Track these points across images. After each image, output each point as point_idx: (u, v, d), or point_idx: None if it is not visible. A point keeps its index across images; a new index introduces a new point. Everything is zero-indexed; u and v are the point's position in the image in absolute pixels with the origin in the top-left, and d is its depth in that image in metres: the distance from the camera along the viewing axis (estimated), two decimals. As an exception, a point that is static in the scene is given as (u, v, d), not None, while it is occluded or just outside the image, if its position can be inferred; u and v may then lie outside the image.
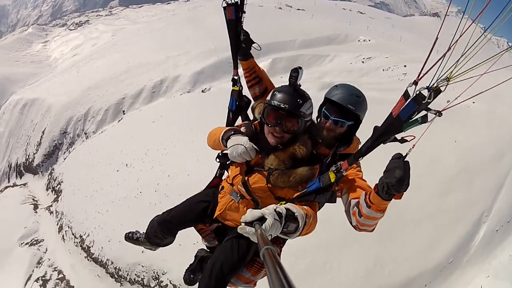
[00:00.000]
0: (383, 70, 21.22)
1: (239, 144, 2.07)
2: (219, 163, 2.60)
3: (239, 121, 2.61)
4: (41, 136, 20.43)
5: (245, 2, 2.54)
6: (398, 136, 1.71)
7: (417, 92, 1.48)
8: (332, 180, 1.92)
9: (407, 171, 1.56)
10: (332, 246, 8.09)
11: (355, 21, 39.14)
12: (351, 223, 2.01)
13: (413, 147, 1.56)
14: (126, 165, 13.62)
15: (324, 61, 22.12)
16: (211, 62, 21.74)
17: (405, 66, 20.13)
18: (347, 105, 2.11)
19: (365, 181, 2.12)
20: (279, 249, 2.39)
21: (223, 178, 2.58)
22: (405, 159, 1.59)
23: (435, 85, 1.42)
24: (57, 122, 20.19)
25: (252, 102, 2.57)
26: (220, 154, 2.50)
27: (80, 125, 19.77)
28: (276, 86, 2.41)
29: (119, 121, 19.06)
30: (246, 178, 2.12)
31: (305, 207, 1.89)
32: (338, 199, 2.17)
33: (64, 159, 18.82)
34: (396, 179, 1.54)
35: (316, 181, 1.99)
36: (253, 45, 2.56)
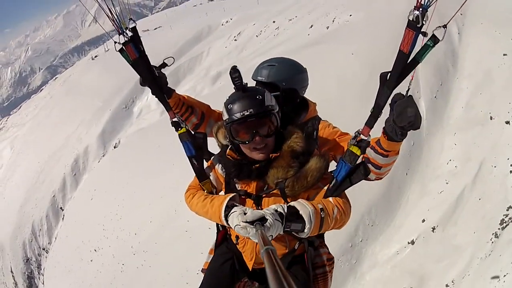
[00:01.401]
0: (257, 36, 22.29)
1: (238, 225, 1.59)
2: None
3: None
4: (13, 276, 19.48)
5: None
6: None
7: (415, 18, 1.40)
8: (359, 153, 1.71)
9: (416, 105, 1.49)
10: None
11: (209, 11, 39.38)
12: (368, 179, 1.84)
13: (412, 80, 1.52)
14: (95, 250, 13.58)
15: (202, 58, 22.65)
16: (107, 118, 21.72)
17: (274, 22, 21.26)
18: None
19: (347, 133, 2.07)
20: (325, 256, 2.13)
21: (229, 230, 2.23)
22: (409, 95, 1.51)
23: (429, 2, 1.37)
24: (17, 255, 19.30)
25: (207, 132, 2.28)
26: None
27: (35, 244, 19.08)
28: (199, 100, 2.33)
29: (62, 219, 18.61)
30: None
31: (323, 200, 1.72)
32: None
33: (43, 283, 18.28)
34: (412, 118, 1.47)
35: (340, 165, 1.76)
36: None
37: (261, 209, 1.72)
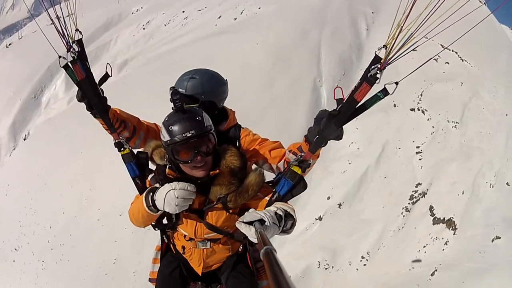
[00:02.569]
0: (165, 25, 22.04)
1: (170, 191, 1.77)
2: (159, 231, 2.32)
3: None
4: None
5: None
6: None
7: (371, 74, 1.49)
8: (300, 172, 1.84)
9: (339, 120, 1.63)
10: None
11: None
12: None
13: (344, 99, 1.63)
14: (15, 249, 12.10)
15: (110, 46, 22.29)
16: (18, 108, 19.53)
17: (183, 11, 21.27)
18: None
19: (267, 139, 2.22)
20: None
21: (172, 240, 2.31)
22: (331, 113, 1.66)
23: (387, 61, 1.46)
24: None
25: (137, 145, 2.33)
26: (154, 223, 2.16)
27: None
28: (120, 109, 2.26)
29: None
30: (207, 222, 1.95)
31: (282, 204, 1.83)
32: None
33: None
34: (339, 132, 1.67)
35: (283, 182, 1.87)
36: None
37: (206, 221, 1.92)
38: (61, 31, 1.85)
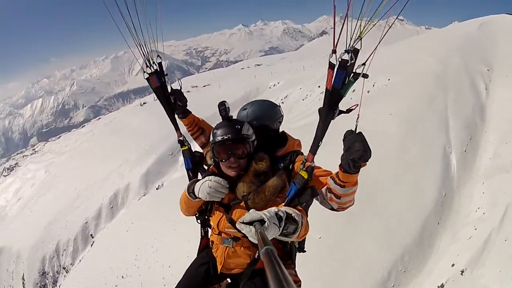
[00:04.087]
0: (303, 99, 23.57)
1: (206, 181, 2.08)
2: (200, 223, 2.59)
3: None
4: (23, 283, 20.33)
5: (164, 69, 2.69)
6: (343, 108, 1.89)
7: (340, 59, 1.66)
8: (306, 176, 2.01)
9: (364, 140, 1.70)
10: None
11: (257, 74, 42.01)
12: (332, 208, 2.10)
13: (358, 117, 1.74)
14: (122, 277, 14.04)
15: None
16: (153, 161, 23.20)
17: (319, 86, 22.74)
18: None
19: (319, 167, 2.23)
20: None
21: (209, 236, 2.55)
22: (357, 131, 1.73)
23: (351, 45, 1.62)
24: (33, 265, 20.25)
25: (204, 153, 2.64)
26: (197, 214, 2.46)
27: (55, 261, 19.88)
28: None
29: (91, 245, 19.76)
30: (229, 217, 2.11)
31: (296, 209, 1.90)
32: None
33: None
34: (360, 152, 1.68)
35: (291, 186, 2.05)
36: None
37: (228, 215, 2.11)
38: (145, 55, 2.56)
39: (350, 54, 1.65)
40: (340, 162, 1.84)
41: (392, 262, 8.65)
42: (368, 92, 16.93)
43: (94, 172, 24.99)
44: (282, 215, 1.59)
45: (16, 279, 20.84)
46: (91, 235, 20.66)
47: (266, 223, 1.46)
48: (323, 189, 2.07)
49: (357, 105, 1.81)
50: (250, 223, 1.45)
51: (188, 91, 42.78)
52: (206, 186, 2.06)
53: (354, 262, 8.66)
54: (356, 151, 1.68)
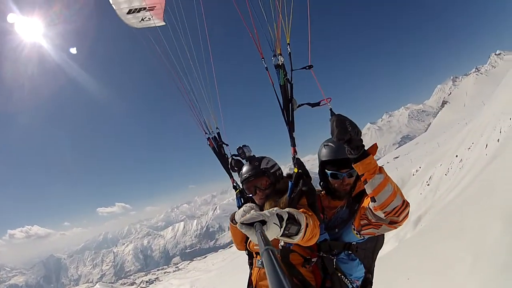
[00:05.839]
0: (445, 174, 25.38)
1: (242, 208, 2.51)
2: (247, 256, 2.73)
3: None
4: None
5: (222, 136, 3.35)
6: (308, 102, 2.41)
7: (275, 63, 2.45)
8: (296, 170, 2.48)
9: (340, 118, 1.85)
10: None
11: (398, 166, 41.54)
12: (387, 223, 2.03)
13: (328, 101, 2.12)
14: None
15: None
16: None
17: (456, 156, 24.26)
18: (345, 155, 2.04)
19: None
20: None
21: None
22: (332, 117, 1.94)
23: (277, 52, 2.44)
24: None
25: None
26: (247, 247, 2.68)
27: None
28: None
29: None
30: None
31: (302, 212, 1.98)
32: None
33: None
34: (336, 126, 1.86)
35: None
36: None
37: None
38: (204, 129, 3.44)
39: (279, 57, 2.46)
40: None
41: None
42: (498, 140, 16.90)
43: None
44: (283, 215, 1.67)
45: None
46: None
47: (267, 223, 1.52)
48: (363, 210, 2.19)
49: (329, 99, 2.13)
50: (251, 223, 1.49)
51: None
52: (241, 212, 2.48)
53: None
54: (335, 128, 1.85)
